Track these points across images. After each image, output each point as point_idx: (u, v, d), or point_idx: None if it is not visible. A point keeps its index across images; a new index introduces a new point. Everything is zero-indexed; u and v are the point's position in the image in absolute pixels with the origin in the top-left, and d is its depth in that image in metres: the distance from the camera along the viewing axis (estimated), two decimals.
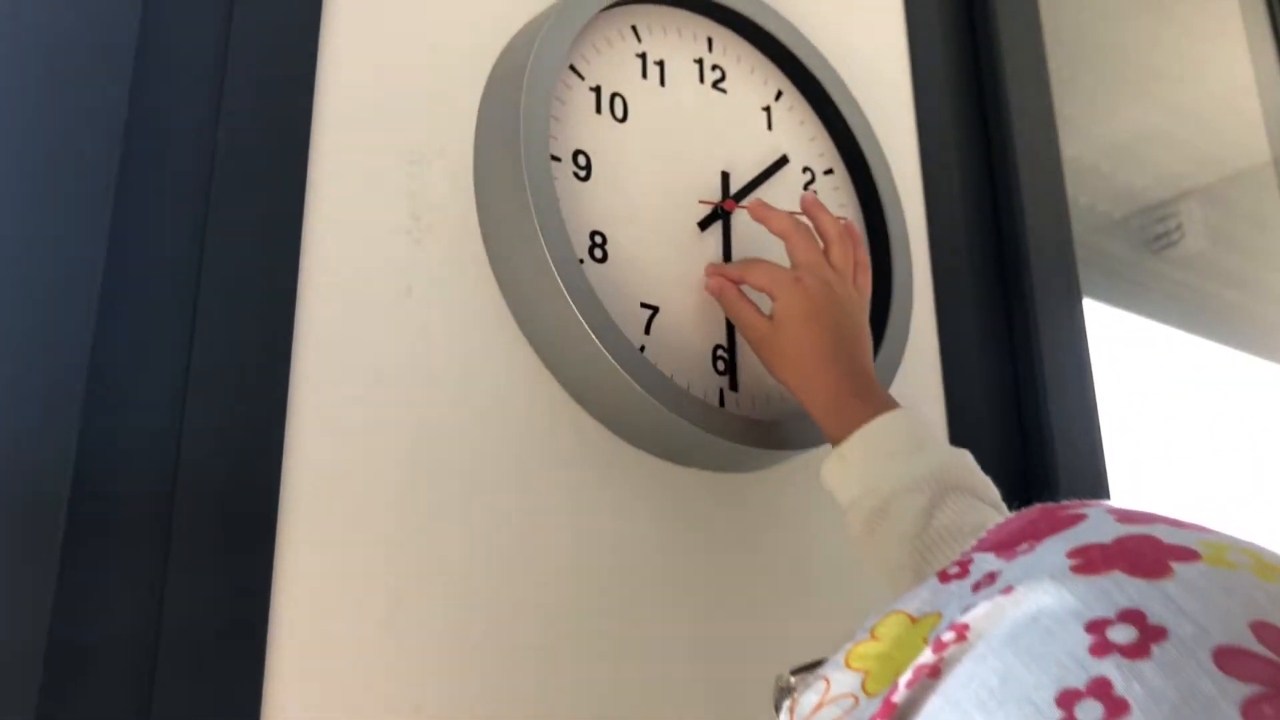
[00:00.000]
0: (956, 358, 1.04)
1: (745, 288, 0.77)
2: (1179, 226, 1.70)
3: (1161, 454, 1.50)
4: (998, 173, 1.16)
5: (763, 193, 0.86)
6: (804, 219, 0.78)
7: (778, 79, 0.93)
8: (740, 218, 0.84)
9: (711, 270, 0.79)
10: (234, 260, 0.64)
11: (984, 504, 0.64)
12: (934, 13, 1.14)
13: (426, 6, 0.76)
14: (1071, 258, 1.19)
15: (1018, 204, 1.14)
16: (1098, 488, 1.12)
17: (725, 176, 0.85)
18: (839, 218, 0.79)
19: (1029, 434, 1.10)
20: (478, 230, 0.74)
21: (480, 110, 0.76)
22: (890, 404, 0.69)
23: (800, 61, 0.92)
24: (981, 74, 1.18)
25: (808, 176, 0.92)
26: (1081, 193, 1.43)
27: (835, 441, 0.69)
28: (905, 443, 0.66)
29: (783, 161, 0.88)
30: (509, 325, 0.73)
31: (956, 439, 1.00)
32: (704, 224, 0.82)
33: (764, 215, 0.78)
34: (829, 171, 0.94)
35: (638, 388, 0.71)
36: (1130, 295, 1.53)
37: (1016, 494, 0.65)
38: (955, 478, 0.64)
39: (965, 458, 0.67)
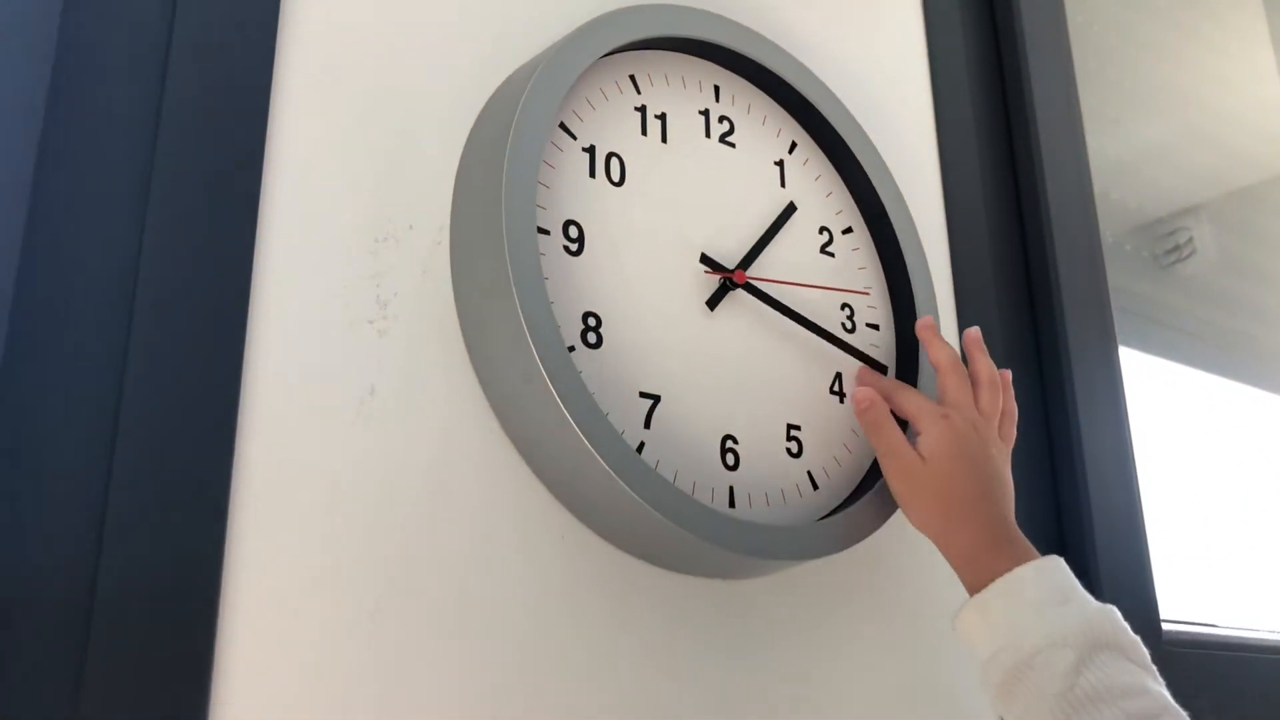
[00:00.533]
0: None
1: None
2: (1190, 240, 1.63)
3: (1190, 496, 1.41)
4: (1029, 224, 1.07)
5: (776, 252, 0.77)
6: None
7: (791, 129, 0.84)
8: (743, 298, 0.75)
9: (864, 378, 0.77)
10: (167, 359, 0.54)
11: (1133, 664, 0.61)
12: (959, 51, 1.06)
13: (396, 57, 0.67)
14: (1108, 307, 1.10)
15: (1050, 256, 1.05)
16: (1134, 548, 1.02)
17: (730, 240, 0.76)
18: (999, 369, 0.77)
19: (1064, 501, 1.02)
20: (454, 317, 0.65)
21: (458, 177, 0.67)
22: (1033, 554, 0.66)
23: (816, 109, 0.83)
24: (1010, 116, 1.09)
25: (825, 237, 0.83)
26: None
27: (973, 590, 0.66)
28: (1051, 594, 0.63)
29: (790, 210, 0.79)
30: (491, 427, 0.64)
31: None
32: (713, 301, 0.73)
33: (928, 340, 0.77)
34: (848, 230, 0.85)
35: (636, 498, 0.62)
36: (1139, 327, 1.44)
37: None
38: (1104, 634, 0.61)
39: (1113, 614, 0.63)
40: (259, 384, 0.57)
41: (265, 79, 0.61)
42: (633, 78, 0.75)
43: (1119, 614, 0.63)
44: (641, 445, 0.67)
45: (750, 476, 0.72)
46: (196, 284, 0.56)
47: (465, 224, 0.66)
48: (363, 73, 0.66)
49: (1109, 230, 1.43)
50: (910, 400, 0.73)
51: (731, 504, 0.71)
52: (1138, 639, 0.63)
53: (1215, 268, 1.59)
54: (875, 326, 0.85)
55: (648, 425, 0.68)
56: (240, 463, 0.55)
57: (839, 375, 0.80)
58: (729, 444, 0.72)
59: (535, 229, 0.64)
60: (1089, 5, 1.46)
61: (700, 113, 0.78)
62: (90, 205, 0.54)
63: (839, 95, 0.87)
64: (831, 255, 0.84)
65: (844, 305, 0.83)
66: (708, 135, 0.78)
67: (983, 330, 0.99)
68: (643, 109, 0.75)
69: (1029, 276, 1.07)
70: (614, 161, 0.72)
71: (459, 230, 0.66)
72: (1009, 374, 0.78)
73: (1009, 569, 0.64)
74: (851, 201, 0.87)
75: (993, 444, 0.72)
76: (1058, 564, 0.65)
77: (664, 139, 0.75)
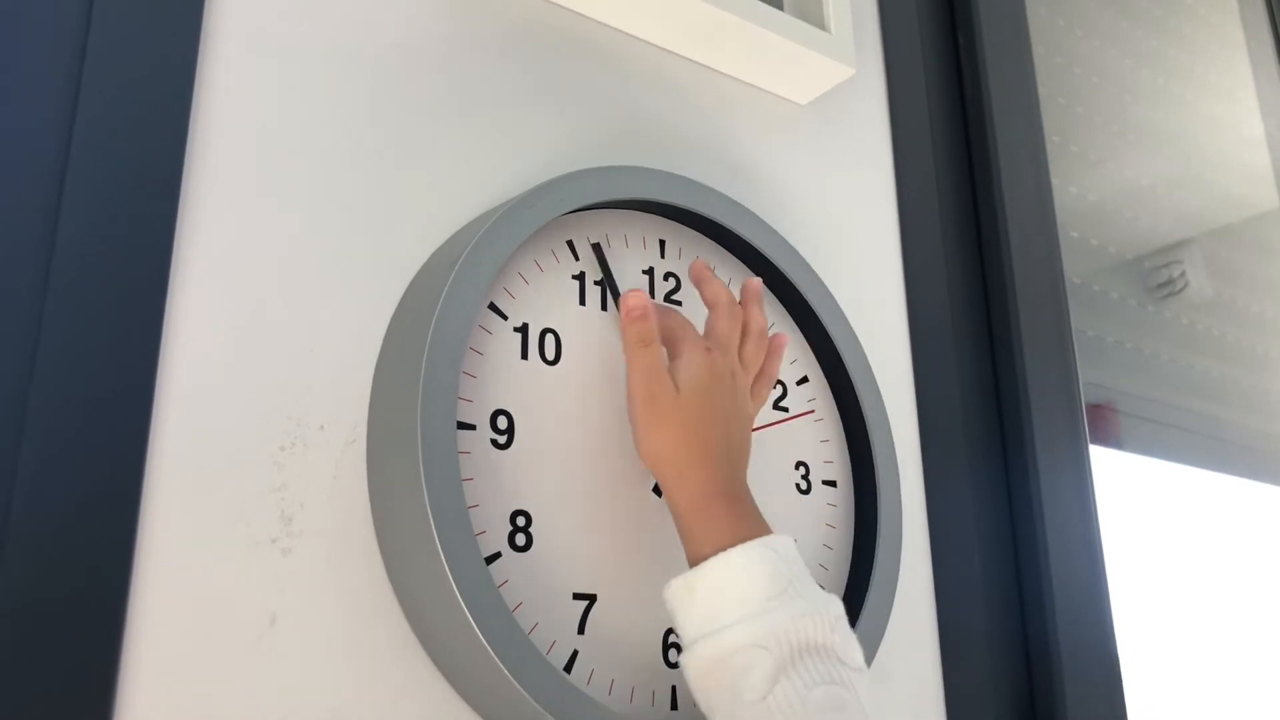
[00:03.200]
0: (946, 531, 0.91)
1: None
2: (1182, 274, 1.62)
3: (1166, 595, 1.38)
4: (996, 327, 1.03)
5: None
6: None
7: (743, 277, 0.80)
8: None
9: (636, 295, 0.66)
10: (43, 606, 0.49)
11: (846, 667, 0.56)
12: (929, 202, 1.01)
13: (306, 236, 0.62)
14: (1080, 416, 1.06)
15: (1021, 379, 1.01)
16: (1107, 669, 0.98)
17: None
18: (777, 331, 0.74)
19: (1027, 597, 0.98)
20: (370, 525, 0.60)
21: (377, 369, 0.62)
22: (757, 527, 0.61)
23: (764, 256, 0.79)
24: (980, 219, 1.06)
25: (778, 391, 0.79)
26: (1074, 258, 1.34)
27: (691, 555, 0.61)
28: (764, 585, 0.57)
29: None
30: (413, 651, 0.59)
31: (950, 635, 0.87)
32: (660, 488, 0.68)
33: (703, 278, 0.71)
34: (803, 381, 0.81)
35: None
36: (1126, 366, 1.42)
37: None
38: (812, 636, 0.56)
39: (828, 609, 0.58)
40: (145, 619, 0.52)
41: (162, 273, 0.56)
42: (570, 244, 0.70)
43: (839, 605, 0.59)
44: (575, 655, 0.62)
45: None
46: (78, 517, 0.51)
47: (382, 423, 0.61)
48: (267, 258, 0.61)
49: (1097, 274, 1.42)
50: (679, 326, 0.67)
51: (674, 705, 0.66)
52: (852, 635, 0.58)
53: (1208, 302, 1.57)
54: (833, 484, 0.80)
55: (581, 630, 0.63)
56: (121, 714, 0.50)
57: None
58: (672, 638, 0.67)
59: (455, 426, 0.59)
60: (1074, 50, 1.44)
61: (644, 272, 0.74)
62: None
63: (792, 241, 0.83)
64: (785, 410, 0.79)
65: (799, 464, 0.78)
66: (652, 295, 0.74)
67: (949, 448, 0.97)
68: (581, 276, 0.70)
69: (998, 389, 1.04)
70: (549, 339, 0.67)
71: (376, 428, 0.61)
72: (785, 338, 0.74)
73: (729, 540, 0.58)
74: (808, 349, 0.83)
75: (746, 398, 0.68)
76: (779, 547, 0.59)
77: (604, 307, 0.71)
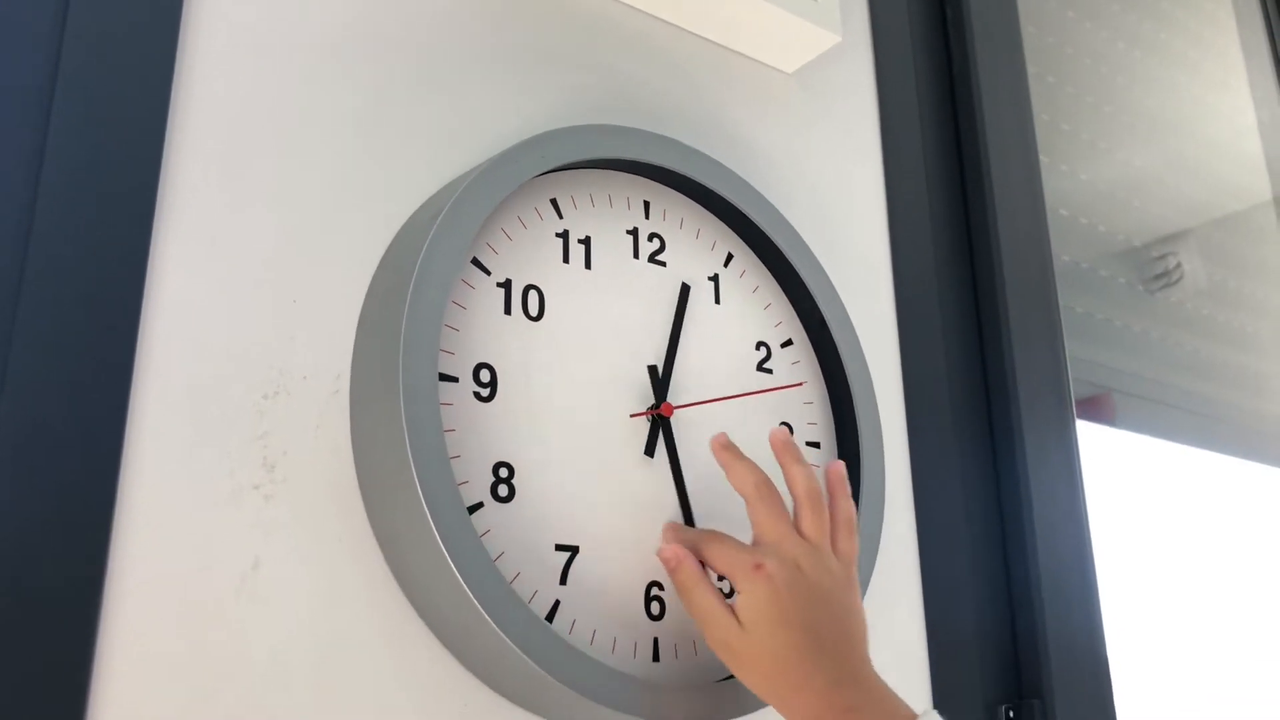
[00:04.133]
0: (932, 534, 0.91)
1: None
2: (1178, 266, 1.62)
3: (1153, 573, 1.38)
4: (986, 326, 1.04)
5: (709, 376, 0.74)
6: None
7: (728, 240, 0.81)
8: (683, 418, 0.71)
9: (670, 534, 0.67)
10: (28, 547, 0.50)
11: None
12: (916, 145, 1.02)
13: (291, 188, 0.63)
14: (1067, 397, 1.07)
15: (1010, 370, 1.01)
16: (1093, 651, 0.99)
17: (652, 371, 0.72)
18: (813, 465, 0.67)
19: (1017, 599, 0.98)
20: (352, 474, 0.61)
21: (360, 322, 0.63)
22: (889, 709, 0.59)
23: (753, 222, 0.79)
24: (969, 204, 1.06)
25: (762, 353, 0.80)
26: (1065, 248, 1.34)
27: None
28: None
29: (685, 291, 0.75)
30: (393, 595, 0.60)
31: (937, 628, 0.87)
32: (650, 447, 0.69)
33: (726, 462, 0.67)
34: (787, 344, 0.82)
35: (548, 676, 0.58)
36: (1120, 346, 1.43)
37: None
38: None
39: None
40: (128, 564, 0.52)
41: (145, 226, 0.57)
42: (554, 202, 0.71)
43: None
44: (557, 604, 0.63)
45: (677, 625, 0.68)
46: (63, 463, 0.52)
47: (365, 374, 0.61)
48: (253, 211, 0.61)
49: (1091, 257, 1.42)
50: (721, 554, 0.63)
51: (656, 657, 0.67)
52: None
53: (1202, 292, 1.57)
54: (816, 445, 0.81)
55: (564, 581, 0.64)
56: (102, 656, 0.51)
57: None
58: (654, 591, 0.68)
59: (437, 378, 0.60)
60: (1065, 31, 1.45)
61: (628, 232, 0.74)
62: None
63: (773, 199, 0.83)
64: (769, 371, 0.80)
65: (782, 424, 0.79)
66: (636, 256, 0.74)
67: (936, 421, 0.97)
68: (565, 234, 0.71)
69: (984, 363, 1.04)
70: (532, 295, 0.68)
71: (359, 378, 0.62)
72: (840, 467, 0.69)
73: None
74: (792, 312, 0.83)
75: (826, 574, 0.63)
76: None
77: (588, 265, 0.71)
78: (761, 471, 0.66)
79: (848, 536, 0.67)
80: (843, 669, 0.60)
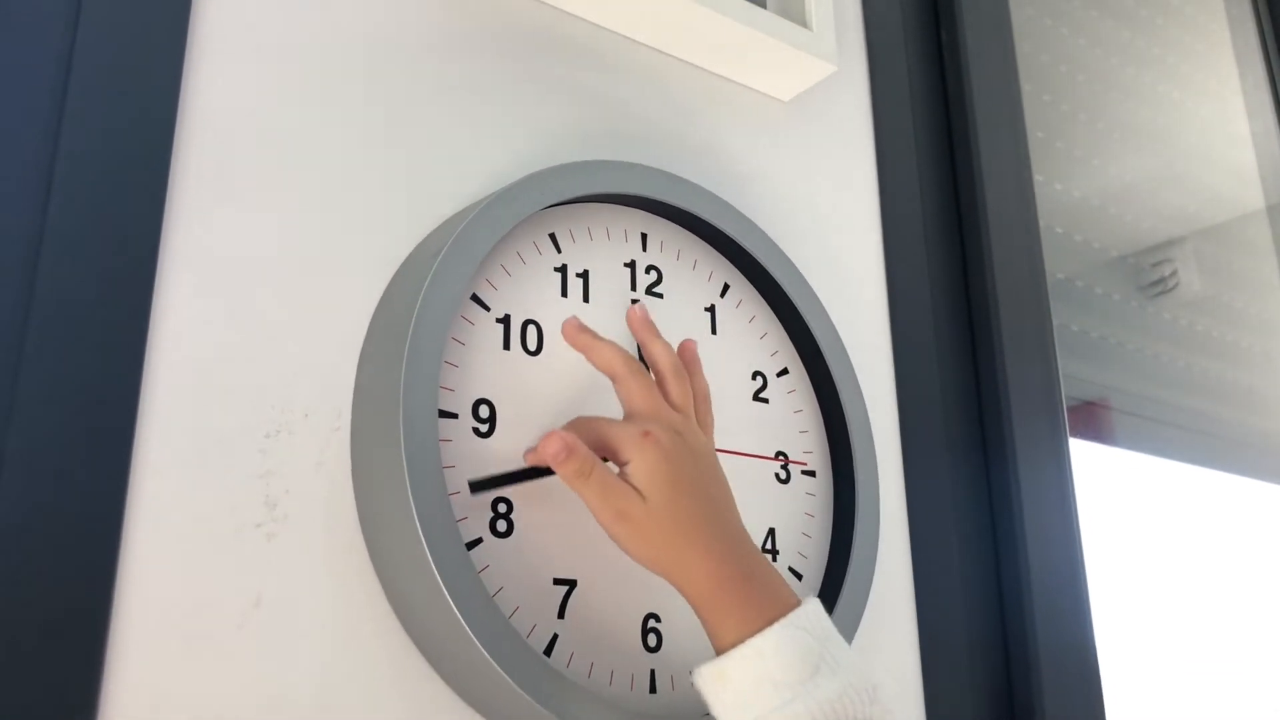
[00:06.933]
0: (926, 541, 0.92)
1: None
2: (1174, 273, 1.64)
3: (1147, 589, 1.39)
4: (979, 335, 1.05)
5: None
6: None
7: (724, 270, 0.81)
8: None
9: (547, 436, 0.60)
10: (31, 580, 0.51)
11: None
12: (912, 173, 1.03)
13: (292, 224, 0.64)
14: (1060, 411, 1.08)
15: (1005, 395, 1.02)
16: (1084, 662, 1.00)
17: None
18: (667, 343, 0.68)
19: (1010, 625, 0.99)
20: (353, 511, 0.61)
21: (361, 359, 0.64)
22: (776, 599, 0.59)
23: (745, 250, 0.80)
24: (963, 225, 1.07)
25: (758, 383, 0.80)
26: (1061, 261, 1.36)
27: (718, 644, 0.59)
28: (796, 669, 0.56)
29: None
30: (394, 632, 0.60)
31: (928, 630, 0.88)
32: None
33: (585, 345, 0.65)
34: (783, 372, 0.82)
35: (546, 712, 0.59)
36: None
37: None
38: (853, 713, 0.55)
39: (859, 682, 0.57)
40: (131, 603, 0.53)
41: (149, 263, 0.57)
42: (553, 236, 0.71)
43: (869, 675, 0.57)
44: (555, 638, 0.64)
45: (674, 656, 0.69)
46: (66, 504, 0.52)
47: (366, 411, 0.62)
48: (255, 248, 0.62)
49: (1086, 272, 1.43)
50: (607, 430, 0.62)
51: (653, 689, 0.68)
52: (890, 710, 0.57)
53: (1197, 303, 1.58)
54: (812, 473, 0.82)
55: (561, 615, 0.65)
56: (107, 692, 0.51)
57: (771, 531, 0.77)
58: (651, 623, 0.69)
59: (436, 414, 0.61)
60: (1060, 48, 1.46)
61: (626, 265, 0.75)
62: None
63: (771, 233, 0.84)
64: (765, 401, 0.81)
65: (779, 454, 0.80)
66: (633, 288, 0.75)
67: (930, 443, 0.98)
68: (563, 268, 0.71)
69: (979, 386, 1.05)
70: (530, 330, 0.69)
71: (360, 415, 0.62)
72: (692, 344, 0.70)
73: (752, 625, 0.57)
74: (788, 340, 0.84)
75: (701, 441, 0.63)
76: (806, 622, 0.58)
77: (585, 299, 0.72)
78: (624, 349, 0.65)
79: (706, 410, 0.69)
80: (736, 535, 0.61)
